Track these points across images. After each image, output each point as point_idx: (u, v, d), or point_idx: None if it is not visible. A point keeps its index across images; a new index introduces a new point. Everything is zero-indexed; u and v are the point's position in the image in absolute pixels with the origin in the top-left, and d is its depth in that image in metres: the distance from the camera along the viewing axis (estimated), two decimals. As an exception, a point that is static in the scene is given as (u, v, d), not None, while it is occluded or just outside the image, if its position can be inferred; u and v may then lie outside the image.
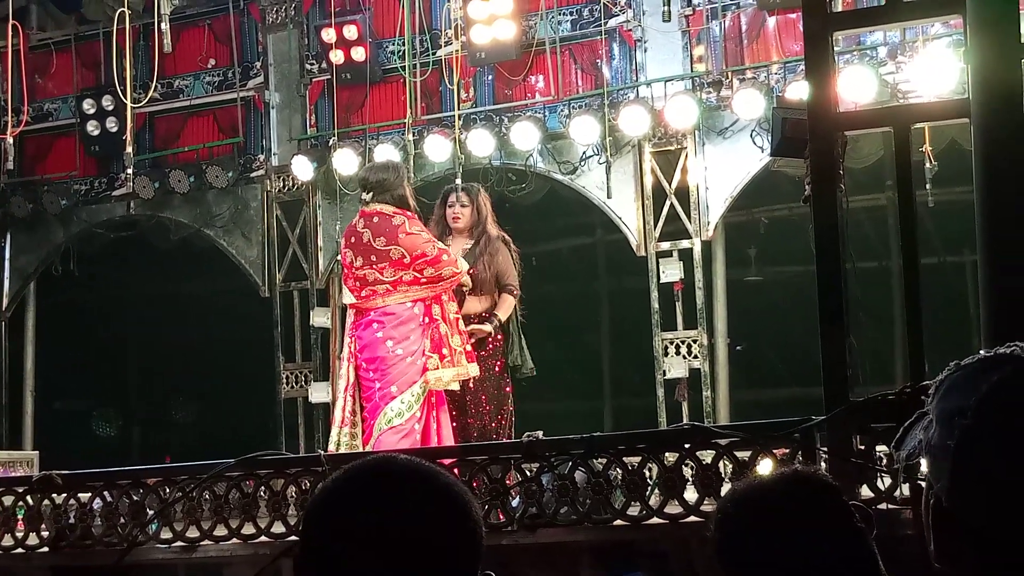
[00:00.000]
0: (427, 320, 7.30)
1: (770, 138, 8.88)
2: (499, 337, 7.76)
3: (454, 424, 7.49)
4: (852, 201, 6.42)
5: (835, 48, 5.20)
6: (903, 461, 1.59)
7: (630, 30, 10.96)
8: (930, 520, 1.54)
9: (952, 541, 1.51)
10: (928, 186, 9.70)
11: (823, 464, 5.12)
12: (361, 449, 7.10)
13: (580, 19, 11.19)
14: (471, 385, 7.55)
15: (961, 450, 1.46)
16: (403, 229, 7.35)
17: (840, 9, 7.68)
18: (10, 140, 11.99)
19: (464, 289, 7.59)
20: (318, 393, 11.40)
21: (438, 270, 7.32)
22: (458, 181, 10.36)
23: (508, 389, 7.75)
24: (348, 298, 7.70)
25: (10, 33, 10.70)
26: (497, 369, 7.72)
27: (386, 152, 11.04)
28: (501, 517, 5.68)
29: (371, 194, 7.49)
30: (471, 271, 7.61)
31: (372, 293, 7.35)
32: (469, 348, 7.42)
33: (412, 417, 7.15)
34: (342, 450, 7.12)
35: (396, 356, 7.23)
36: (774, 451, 5.31)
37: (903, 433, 1.62)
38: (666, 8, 9.82)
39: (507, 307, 7.78)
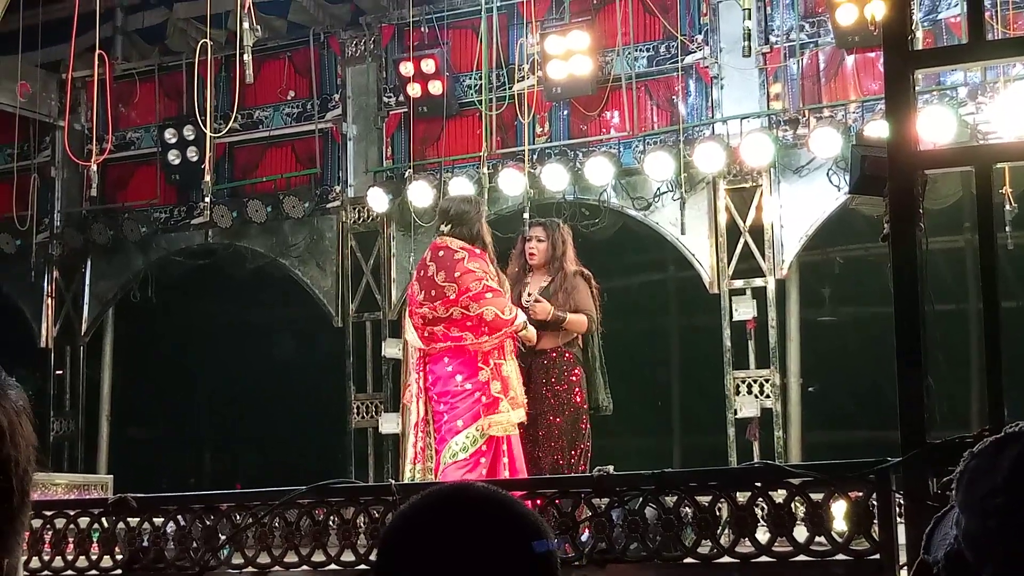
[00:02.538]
0: (498, 356, 7.29)
1: (847, 177, 8.84)
2: (576, 372, 7.74)
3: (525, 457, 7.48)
4: (930, 242, 6.36)
5: (915, 87, 5.16)
6: (943, 561, 1.57)
7: (707, 67, 10.95)
8: None
9: None
10: (1008, 228, 9.56)
11: (899, 507, 5.05)
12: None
13: (656, 55, 11.20)
14: (547, 419, 7.54)
15: (1003, 528, 1.45)
16: (461, 265, 7.31)
17: (921, 47, 7.62)
18: (94, 168, 12.19)
19: (526, 340, 7.52)
20: (388, 424, 11.45)
21: (480, 307, 7.21)
22: (526, 215, 10.39)
23: (584, 426, 7.71)
24: (412, 335, 7.62)
25: (96, 63, 10.88)
26: (575, 403, 7.68)
27: (461, 185, 11.12)
28: (569, 551, 5.65)
29: (449, 226, 7.50)
30: (538, 314, 7.54)
31: (432, 336, 7.35)
32: (522, 398, 7.38)
33: (477, 451, 7.14)
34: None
35: (465, 390, 7.22)
36: (848, 493, 5.24)
37: (927, 540, 1.61)
38: (746, 44, 9.80)
39: (577, 322, 7.72)
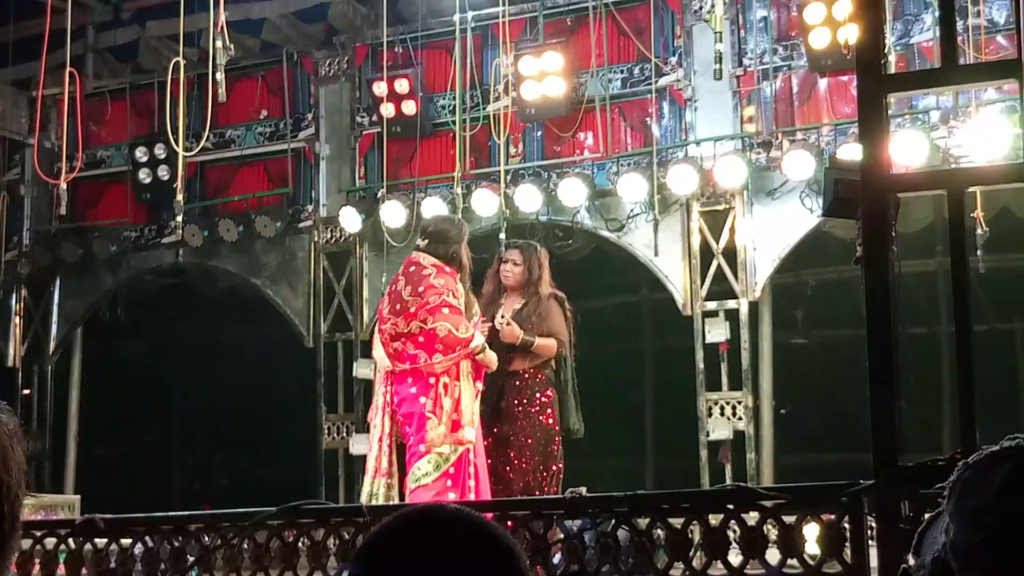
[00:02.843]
0: (453, 376, 7.27)
1: (820, 200, 8.86)
2: (548, 393, 7.73)
3: (492, 478, 7.47)
4: (902, 266, 6.37)
5: (888, 110, 5.17)
6: (928, 566, 1.58)
7: (680, 89, 10.98)
8: None
9: None
10: (979, 252, 9.61)
11: (871, 530, 5.04)
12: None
13: (631, 77, 11.22)
14: (518, 439, 7.52)
15: (992, 543, 1.46)
16: (427, 280, 7.31)
17: (894, 71, 7.66)
18: (63, 186, 12.09)
19: (485, 364, 7.49)
20: (359, 445, 11.35)
21: (434, 320, 7.20)
22: (502, 236, 10.41)
23: (556, 447, 7.70)
24: (379, 352, 7.60)
25: (67, 80, 10.82)
26: (547, 424, 7.66)
27: (434, 206, 11.10)
28: (541, 573, 5.62)
29: (426, 241, 7.52)
30: (507, 338, 7.53)
31: (396, 353, 7.33)
32: (474, 417, 7.36)
33: (443, 474, 7.13)
34: (379, 501, 7.10)
35: (425, 415, 7.22)
36: (821, 515, 5.23)
37: (919, 539, 1.62)
38: (717, 67, 9.84)
39: (546, 347, 7.71)
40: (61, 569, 6.47)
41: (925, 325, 10.75)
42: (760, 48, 10.71)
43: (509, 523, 5.58)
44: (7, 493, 1.15)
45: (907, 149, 9.15)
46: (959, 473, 1.56)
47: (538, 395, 7.68)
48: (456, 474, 7.16)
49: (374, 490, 7.36)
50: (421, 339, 7.23)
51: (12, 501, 1.16)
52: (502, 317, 7.78)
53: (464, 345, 7.23)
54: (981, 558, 1.46)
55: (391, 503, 7.19)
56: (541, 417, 7.65)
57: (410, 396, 7.29)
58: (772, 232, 10.49)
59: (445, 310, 7.26)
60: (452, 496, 7.00)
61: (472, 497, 7.13)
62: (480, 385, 7.45)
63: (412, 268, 7.44)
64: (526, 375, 7.72)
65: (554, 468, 7.64)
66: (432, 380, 7.25)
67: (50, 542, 6.45)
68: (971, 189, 6.07)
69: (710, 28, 10.31)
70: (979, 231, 9.67)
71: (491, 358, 7.42)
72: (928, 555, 1.59)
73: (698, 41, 10.89)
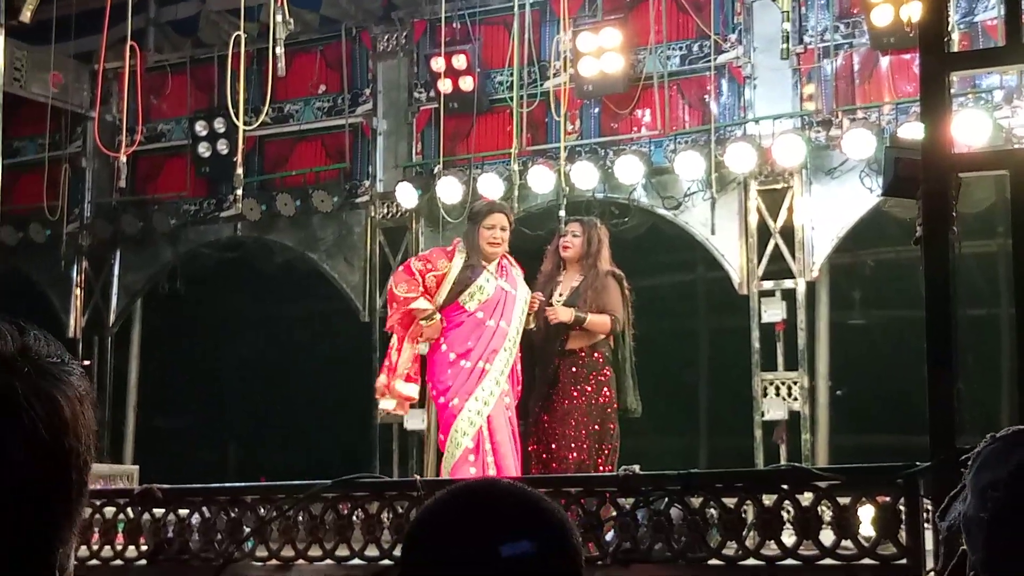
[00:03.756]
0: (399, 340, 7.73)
1: (880, 179, 8.77)
2: (605, 372, 7.70)
3: (547, 456, 7.50)
4: (962, 246, 6.29)
5: (950, 89, 5.11)
6: (944, 532, 1.58)
7: (740, 66, 10.90)
8: None
9: None
10: (1042, 233, 9.46)
11: (926, 513, 5.01)
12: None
13: (689, 54, 11.15)
14: (574, 418, 7.53)
15: (995, 522, 1.47)
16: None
17: (957, 50, 7.56)
18: (123, 159, 12.21)
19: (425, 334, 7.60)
20: (414, 420, 11.42)
21: (390, 282, 7.86)
22: (562, 213, 10.39)
23: (612, 426, 7.68)
24: None
25: (127, 54, 10.91)
26: (602, 403, 7.65)
27: (490, 182, 11.10)
28: (593, 550, 5.63)
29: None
30: (560, 317, 7.59)
31: None
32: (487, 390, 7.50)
33: (465, 452, 7.28)
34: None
35: (435, 400, 7.52)
36: (876, 497, 5.20)
37: (948, 503, 1.61)
38: (785, 46, 9.74)
39: (599, 323, 7.70)
40: (120, 538, 6.56)
41: (984, 307, 10.59)
42: (821, 25, 10.61)
43: (562, 500, 5.60)
44: (76, 460, 1.16)
45: (969, 129, 9.03)
46: (984, 445, 1.56)
47: (595, 374, 7.66)
48: (476, 449, 7.28)
49: None
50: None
51: (80, 468, 1.17)
52: (559, 295, 7.79)
53: (400, 304, 7.43)
54: (983, 533, 1.46)
55: (445, 478, 7.23)
56: (597, 396, 7.64)
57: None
58: (830, 211, 10.40)
59: (400, 268, 7.72)
60: (473, 472, 7.08)
61: (490, 465, 7.22)
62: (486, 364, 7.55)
63: None
64: (582, 353, 7.71)
65: (609, 448, 7.62)
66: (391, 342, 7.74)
67: (109, 511, 6.55)
68: (1034, 170, 5.97)
69: (771, 4, 10.20)
70: (1041, 212, 9.52)
71: (432, 330, 7.50)
72: (946, 523, 1.59)
73: (758, 17, 10.79)
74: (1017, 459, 1.47)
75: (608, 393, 7.68)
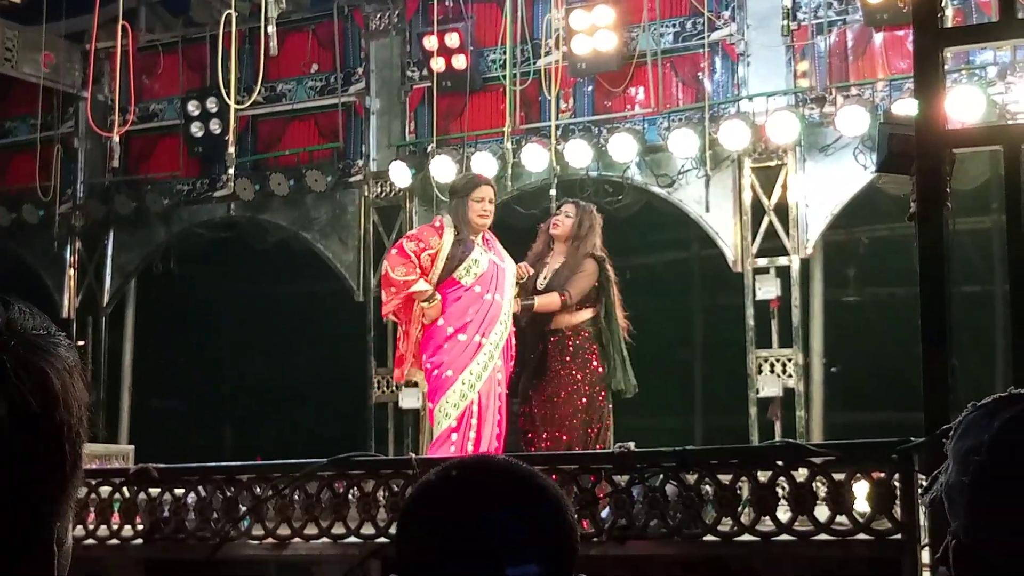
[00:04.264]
0: (404, 324, 7.63)
1: (873, 156, 8.77)
2: (592, 351, 7.70)
3: (536, 435, 7.53)
4: (957, 223, 6.29)
5: (944, 65, 5.10)
6: (928, 506, 1.58)
7: (733, 44, 10.88)
8: (952, 560, 1.51)
9: None
10: (1036, 209, 9.47)
11: (921, 488, 5.02)
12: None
13: (683, 32, 11.13)
14: (561, 397, 7.54)
15: (976, 486, 1.47)
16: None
17: (951, 25, 7.54)
18: (116, 139, 12.20)
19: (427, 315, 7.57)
20: (408, 399, 11.44)
21: (383, 265, 7.66)
22: (552, 192, 10.40)
23: (602, 403, 7.68)
24: None
25: (119, 34, 10.88)
26: (590, 381, 7.65)
27: (484, 160, 11.09)
28: (589, 527, 5.64)
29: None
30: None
31: None
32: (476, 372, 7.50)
33: (447, 430, 7.27)
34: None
35: (426, 370, 7.48)
36: (871, 473, 5.22)
37: (931, 481, 1.61)
38: (785, 22, 9.71)
39: (546, 304, 7.70)
40: (116, 517, 6.57)
41: (979, 283, 10.61)
42: (815, 2, 10.58)
43: (556, 477, 5.61)
44: (68, 433, 1.15)
45: (963, 105, 9.03)
46: (966, 414, 1.56)
47: (581, 353, 7.67)
48: (459, 427, 7.27)
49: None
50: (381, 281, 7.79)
51: (73, 440, 1.16)
52: (544, 278, 7.81)
53: (401, 288, 7.35)
54: (965, 498, 1.46)
55: (439, 455, 7.24)
56: (584, 375, 7.64)
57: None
58: (824, 188, 10.40)
59: (394, 251, 7.56)
60: (453, 450, 7.08)
61: (472, 440, 7.24)
62: (482, 339, 7.56)
63: None
64: (569, 332, 7.72)
65: (598, 427, 7.62)
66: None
67: (105, 490, 6.55)
68: (1028, 145, 5.97)
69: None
70: (1035, 188, 9.53)
71: (434, 311, 7.47)
72: (928, 496, 1.59)
73: (752, -6, 10.78)
74: (998, 423, 1.48)
75: (595, 373, 7.66)
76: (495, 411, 7.46)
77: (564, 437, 7.53)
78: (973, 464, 1.46)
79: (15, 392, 1.10)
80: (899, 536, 5.04)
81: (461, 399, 7.31)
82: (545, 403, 7.60)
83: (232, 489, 6.26)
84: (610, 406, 7.73)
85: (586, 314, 7.77)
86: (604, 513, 5.71)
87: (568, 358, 7.65)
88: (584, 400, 7.60)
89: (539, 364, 7.67)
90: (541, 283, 7.80)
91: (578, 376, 7.63)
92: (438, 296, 7.44)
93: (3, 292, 1.18)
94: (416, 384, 10.77)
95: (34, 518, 1.13)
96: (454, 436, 7.24)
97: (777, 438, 9.69)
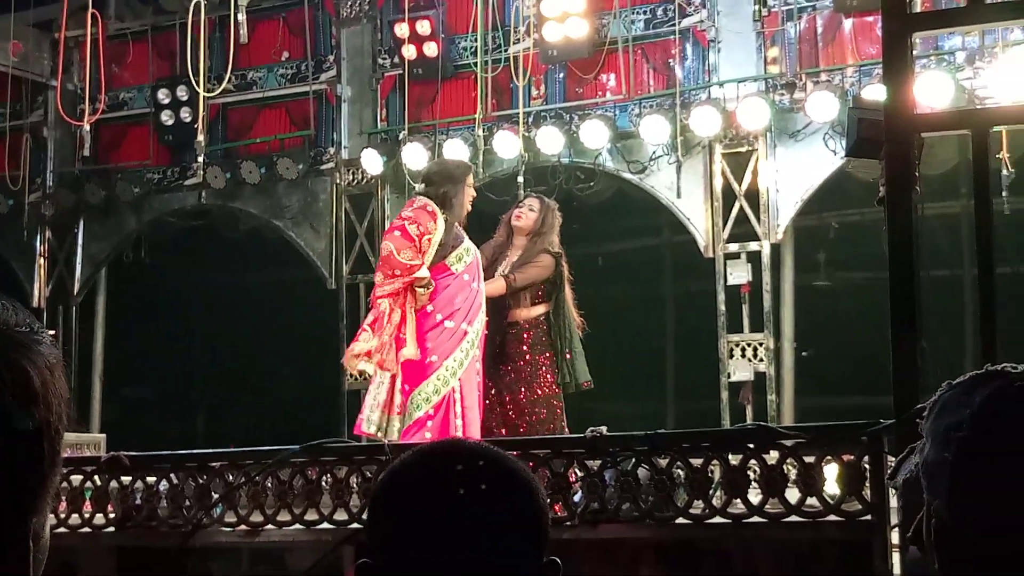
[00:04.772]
0: (398, 307, 7.41)
1: (843, 141, 8.81)
2: (548, 352, 7.72)
3: (498, 424, 7.54)
4: (926, 208, 6.33)
5: (913, 51, 5.13)
6: (900, 488, 1.58)
7: (704, 30, 10.90)
8: (932, 539, 1.52)
9: (955, 557, 1.49)
10: (1004, 193, 9.55)
11: (890, 469, 5.06)
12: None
13: (654, 18, 11.15)
14: (521, 388, 7.58)
15: (958, 462, 1.45)
16: (402, 211, 7.57)
17: (920, 11, 7.58)
18: (86, 128, 12.14)
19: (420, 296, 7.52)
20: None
21: (383, 241, 7.53)
22: (520, 179, 10.44)
23: (559, 411, 7.69)
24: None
25: (89, 22, 10.83)
26: (548, 376, 7.69)
27: (456, 148, 11.09)
28: (561, 511, 5.66)
29: (423, 185, 7.67)
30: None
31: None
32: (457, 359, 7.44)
33: (424, 416, 7.23)
34: (392, 437, 7.15)
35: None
36: (841, 455, 5.25)
37: (899, 464, 1.61)
38: (756, 7, 9.71)
39: (494, 287, 7.70)
40: (87, 506, 6.55)
41: (948, 268, 10.67)
42: (785, -12, 10.61)
43: (531, 463, 5.63)
44: (47, 430, 1.15)
45: (932, 90, 9.08)
46: (940, 393, 1.56)
47: (540, 345, 7.71)
48: (436, 415, 7.23)
49: (368, 416, 7.44)
50: (380, 262, 7.53)
51: (52, 438, 1.16)
52: (502, 270, 7.84)
53: (405, 272, 7.29)
54: (947, 476, 1.47)
55: (412, 441, 7.24)
56: (543, 371, 7.69)
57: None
58: (795, 174, 10.44)
59: (396, 233, 7.39)
60: (428, 436, 7.06)
61: (459, 428, 7.23)
62: (468, 326, 7.51)
63: (400, 209, 7.66)
64: (527, 325, 7.75)
65: (557, 424, 7.65)
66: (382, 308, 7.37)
67: (76, 479, 6.53)
68: (996, 129, 6.03)
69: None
70: (1004, 172, 9.60)
71: (425, 297, 7.45)
72: (901, 477, 1.59)
73: (722, -19, 10.80)
74: (979, 398, 1.49)
75: (550, 379, 7.69)
76: (476, 400, 7.47)
77: (527, 427, 7.56)
78: (955, 440, 1.46)
79: None
80: (869, 517, 5.08)
81: (443, 385, 7.30)
82: (506, 392, 7.65)
83: (204, 477, 6.26)
84: (561, 406, 7.75)
85: (540, 309, 7.81)
86: (576, 497, 5.73)
87: (526, 348, 7.70)
88: (543, 393, 7.64)
89: (498, 355, 7.70)
90: (500, 273, 7.83)
91: (536, 370, 7.67)
92: (433, 283, 7.42)
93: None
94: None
95: (11, 514, 1.13)
96: (430, 423, 7.23)
97: (748, 422, 9.74)
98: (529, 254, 7.83)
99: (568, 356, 7.78)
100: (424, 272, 7.36)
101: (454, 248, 7.49)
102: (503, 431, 7.54)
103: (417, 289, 7.38)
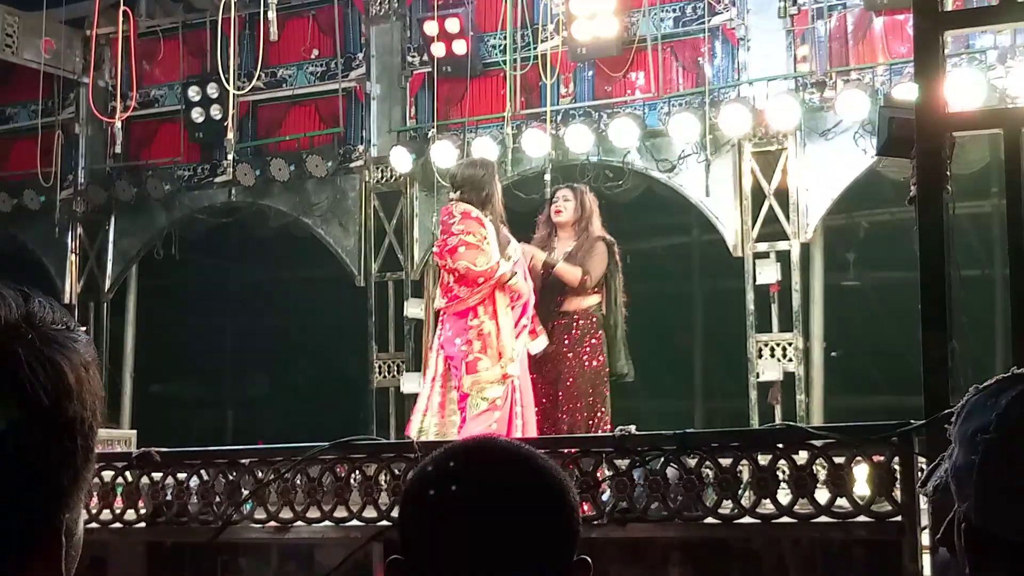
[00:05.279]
0: (474, 319, 7.31)
1: (874, 140, 8.77)
2: (597, 335, 7.74)
3: (541, 417, 7.52)
4: (957, 207, 6.29)
5: (944, 50, 5.11)
6: (931, 495, 1.58)
7: (733, 28, 10.87)
8: (962, 542, 1.52)
9: (985, 560, 1.49)
10: (1036, 193, 9.48)
11: (921, 471, 5.04)
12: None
13: (683, 16, 11.12)
14: (566, 381, 7.57)
15: (986, 464, 1.45)
16: (450, 224, 7.43)
17: (951, 9, 7.54)
18: (118, 125, 12.21)
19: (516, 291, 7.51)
20: (410, 383, 11.45)
21: (454, 261, 7.31)
22: (547, 177, 10.43)
23: (605, 391, 7.73)
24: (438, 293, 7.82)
25: (120, 20, 10.88)
26: (594, 367, 7.69)
27: (485, 146, 11.10)
28: (590, 510, 5.66)
29: (458, 192, 7.57)
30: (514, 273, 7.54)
31: (443, 289, 7.51)
32: (518, 351, 7.41)
33: (490, 407, 7.21)
34: (429, 438, 7.17)
35: (462, 352, 7.29)
36: (871, 456, 5.23)
37: (930, 471, 1.61)
38: (782, 4, 9.68)
39: (567, 271, 7.72)
40: (119, 501, 6.59)
41: (979, 267, 10.63)
42: (815, -14, 10.57)
43: (559, 461, 5.62)
44: (80, 426, 1.16)
45: (963, 89, 9.02)
46: (968, 397, 1.56)
47: (587, 337, 7.71)
48: (503, 406, 7.24)
49: (424, 427, 7.44)
50: (455, 276, 7.38)
51: (86, 435, 1.17)
52: (559, 261, 7.83)
53: (488, 277, 7.30)
54: (974, 478, 1.47)
55: (442, 439, 7.25)
56: (589, 360, 7.68)
57: (448, 339, 7.41)
58: (825, 173, 10.40)
59: (462, 249, 7.33)
60: (495, 427, 7.06)
61: (519, 426, 7.22)
62: (523, 320, 7.49)
63: (445, 216, 7.59)
64: (576, 316, 7.75)
65: (601, 411, 7.67)
66: (472, 322, 7.32)
67: (108, 475, 6.57)
68: (1028, 129, 5.98)
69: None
70: (1035, 172, 9.53)
71: (522, 285, 7.46)
72: (931, 484, 1.59)
73: (752, -21, 10.77)
74: (1005, 400, 1.49)
75: (601, 359, 7.72)
76: (531, 392, 7.49)
77: (565, 420, 7.57)
78: (982, 443, 1.46)
79: (29, 384, 1.11)
80: (899, 518, 5.06)
81: (502, 380, 7.29)
82: (550, 385, 7.66)
83: (234, 473, 6.28)
84: (608, 394, 7.77)
85: (595, 299, 7.82)
86: (605, 496, 5.73)
87: (575, 342, 7.70)
88: (588, 384, 7.65)
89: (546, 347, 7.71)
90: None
91: (583, 361, 7.68)
92: (517, 271, 7.44)
93: (4, 278, 1.19)
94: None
95: (44, 510, 1.14)
96: (496, 415, 7.22)
97: (777, 422, 9.71)
98: (586, 243, 7.82)
99: (621, 347, 7.83)
100: (506, 266, 7.39)
101: (505, 246, 7.51)
102: (545, 424, 7.54)
103: (510, 284, 7.39)
